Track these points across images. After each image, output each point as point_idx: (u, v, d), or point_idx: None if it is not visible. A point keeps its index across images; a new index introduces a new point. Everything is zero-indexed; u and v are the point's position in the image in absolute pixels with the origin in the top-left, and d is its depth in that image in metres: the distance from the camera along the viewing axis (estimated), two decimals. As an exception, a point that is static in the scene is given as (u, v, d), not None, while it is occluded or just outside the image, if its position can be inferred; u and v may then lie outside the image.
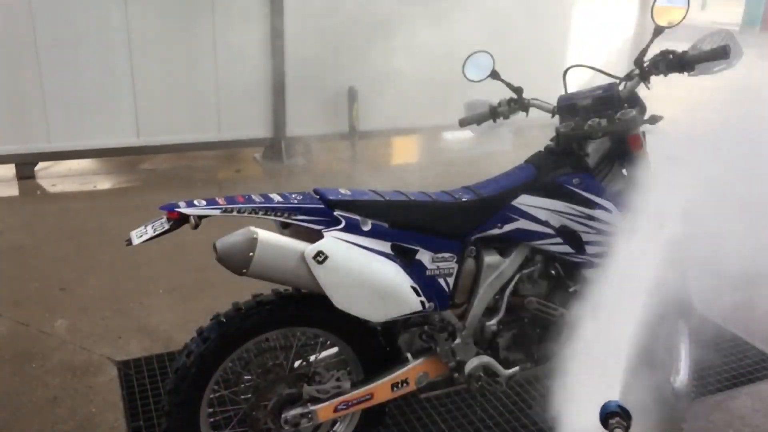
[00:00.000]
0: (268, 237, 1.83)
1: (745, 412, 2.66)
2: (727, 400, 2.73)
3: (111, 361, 2.86)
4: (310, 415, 2.02)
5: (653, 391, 2.59)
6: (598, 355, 1.77)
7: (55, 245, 3.99)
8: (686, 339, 2.76)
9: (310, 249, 1.83)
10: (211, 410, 2.02)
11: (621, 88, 2.22)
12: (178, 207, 1.75)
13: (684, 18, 2.08)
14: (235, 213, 1.79)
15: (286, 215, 1.85)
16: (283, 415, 2.01)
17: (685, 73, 2.15)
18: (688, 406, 2.66)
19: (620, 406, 1.45)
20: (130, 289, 3.47)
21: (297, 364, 2.07)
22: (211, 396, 1.98)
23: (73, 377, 2.74)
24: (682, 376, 2.68)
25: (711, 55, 2.05)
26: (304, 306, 1.98)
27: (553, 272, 2.32)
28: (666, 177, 1.97)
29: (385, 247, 1.97)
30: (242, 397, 2.07)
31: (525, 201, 2.14)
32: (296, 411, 2.01)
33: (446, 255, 2.07)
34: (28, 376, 2.74)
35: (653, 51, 2.19)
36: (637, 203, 1.95)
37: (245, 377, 2.06)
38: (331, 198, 1.93)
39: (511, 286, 2.22)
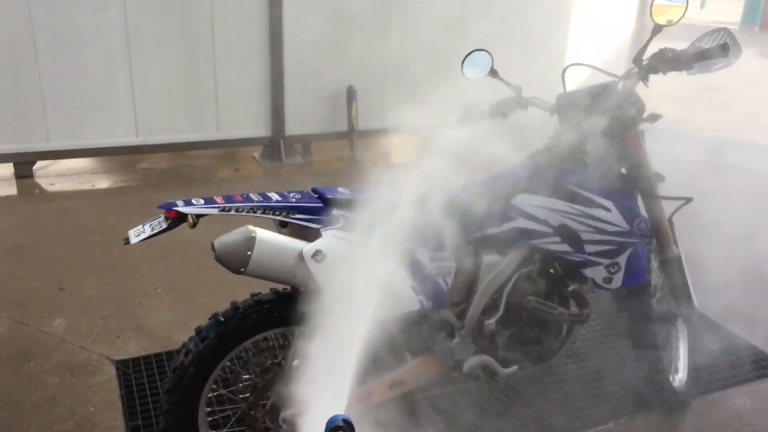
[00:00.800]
0: (267, 236, 1.83)
1: (743, 411, 2.66)
2: (726, 399, 2.73)
3: (109, 361, 2.86)
4: (308, 415, 2.02)
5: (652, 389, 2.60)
6: (326, 366, 1.77)
7: (54, 245, 3.98)
8: (685, 337, 2.77)
9: (308, 248, 1.83)
10: (209, 409, 2.01)
11: (620, 86, 2.22)
12: (176, 206, 1.75)
13: (683, 16, 2.08)
14: (233, 212, 1.79)
15: (284, 214, 1.85)
16: (281, 415, 2.01)
17: (684, 72, 2.15)
18: (687, 404, 2.66)
19: (345, 420, 1.46)
20: (128, 289, 3.46)
21: (296, 363, 2.06)
22: (210, 395, 1.98)
23: (71, 377, 2.74)
24: (681, 375, 2.68)
25: (710, 54, 2.05)
26: (303, 305, 1.97)
27: (551, 271, 2.32)
28: None
29: (384, 245, 1.96)
30: (240, 396, 2.07)
31: (523, 200, 2.14)
32: (295, 410, 2.01)
33: (445, 254, 2.07)
34: (26, 375, 2.73)
35: (652, 49, 2.19)
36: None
37: (243, 376, 2.06)
38: (329, 197, 1.92)
39: (509, 285, 2.22)
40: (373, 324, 1.79)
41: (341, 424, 1.43)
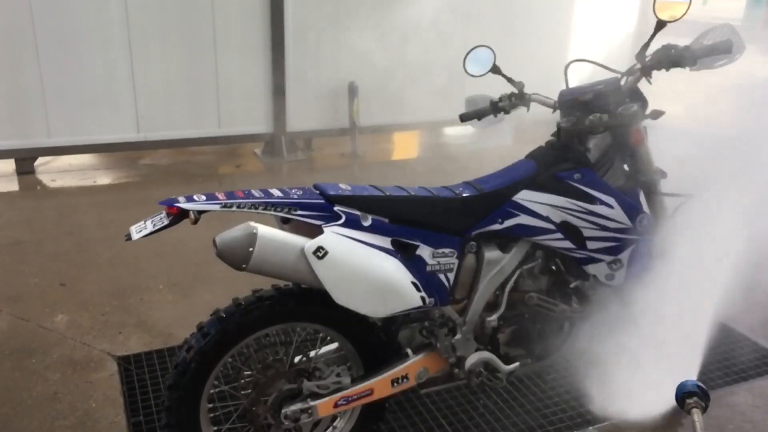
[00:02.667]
0: (268, 232, 1.83)
1: (745, 408, 2.65)
2: (728, 396, 2.72)
3: (111, 357, 2.86)
4: (310, 411, 2.02)
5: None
6: (672, 333, 1.76)
7: (55, 240, 3.99)
8: (687, 335, 2.76)
9: (310, 244, 1.83)
10: (211, 405, 2.01)
11: (622, 82, 2.21)
12: (178, 202, 1.74)
13: (686, 13, 2.07)
14: (234, 208, 1.79)
15: (285, 210, 1.84)
16: (283, 411, 2.01)
17: (687, 68, 2.14)
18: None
19: (698, 386, 1.43)
20: (130, 285, 3.46)
21: (297, 359, 2.07)
22: (211, 391, 1.98)
23: (73, 372, 2.74)
24: (682, 372, 2.68)
25: (713, 50, 2.04)
26: (304, 301, 1.97)
27: (553, 268, 2.32)
28: None
29: (386, 242, 1.96)
30: (242, 392, 2.07)
31: (526, 196, 2.14)
32: (296, 406, 2.01)
33: (447, 251, 2.06)
34: (28, 371, 2.73)
35: (655, 45, 2.18)
36: None
37: (245, 372, 2.06)
38: (331, 193, 1.92)
39: (511, 282, 2.21)
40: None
41: (695, 389, 1.41)
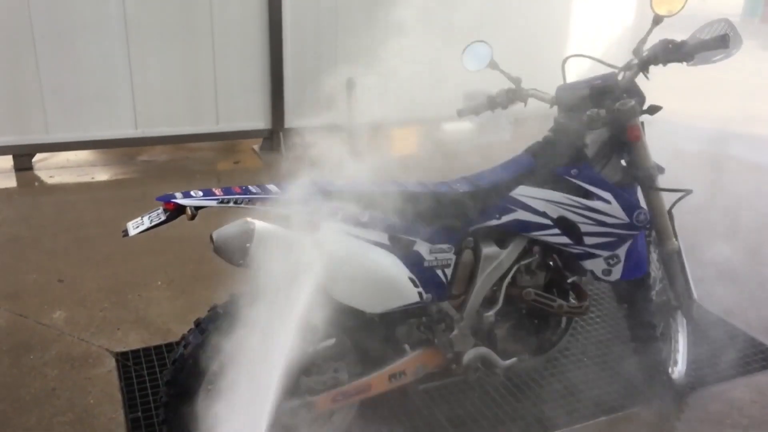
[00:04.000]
0: (266, 228, 1.82)
1: (742, 403, 2.66)
2: (725, 391, 2.73)
3: (109, 353, 2.86)
4: (308, 406, 2.02)
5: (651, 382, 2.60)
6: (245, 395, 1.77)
7: (53, 237, 3.98)
8: (684, 330, 2.77)
9: (307, 240, 1.83)
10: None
11: (620, 77, 2.21)
12: (175, 198, 1.74)
13: (683, 7, 2.06)
14: (231, 204, 1.78)
15: (283, 206, 1.84)
16: (279, 407, 2.01)
17: (684, 63, 2.14)
18: (686, 396, 2.67)
19: None
20: (128, 281, 3.46)
21: (295, 355, 2.07)
22: (209, 387, 1.98)
23: (71, 369, 2.74)
24: (680, 367, 2.69)
25: (710, 45, 2.04)
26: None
27: (551, 263, 2.32)
28: None
29: (383, 237, 1.96)
30: (240, 388, 2.07)
31: (523, 192, 2.14)
32: (294, 402, 2.01)
33: (444, 246, 2.06)
34: (26, 367, 2.73)
35: (652, 40, 2.18)
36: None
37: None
38: (328, 189, 1.92)
39: (509, 278, 2.22)
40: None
41: None
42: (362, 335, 2.08)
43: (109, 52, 5.06)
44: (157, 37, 5.18)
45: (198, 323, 1.92)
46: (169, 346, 2.89)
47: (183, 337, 1.93)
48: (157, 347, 2.90)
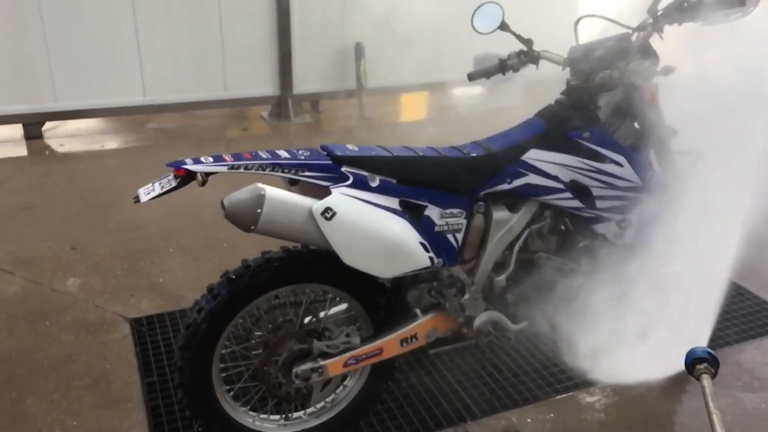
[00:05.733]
0: (276, 193, 1.82)
1: (754, 365, 2.66)
2: (736, 354, 2.73)
3: (124, 319, 2.89)
4: (320, 370, 2.05)
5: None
6: (686, 300, 1.75)
7: (65, 205, 4.01)
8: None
9: (318, 205, 1.83)
10: (222, 365, 2.04)
11: (634, 38, 2.17)
12: (185, 164, 1.74)
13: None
14: (242, 170, 1.78)
15: (293, 171, 1.83)
16: (293, 370, 2.04)
17: (700, 22, 2.09)
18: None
19: (708, 352, 1.44)
20: (140, 248, 3.49)
21: (307, 320, 2.08)
22: (223, 351, 2.00)
23: (86, 334, 2.78)
24: (691, 330, 2.69)
25: (726, 3, 1.99)
26: (313, 263, 1.98)
27: (562, 227, 2.31)
28: None
29: (394, 203, 1.96)
30: (253, 352, 2.09)
31: (535, 156, 2.12)
32: (307, 366, 2.04)
33: (455, 211, 2.06)
34: (42, 333, 2.78)
35: (667, 0, 2.13)
36: None
37: (256, 333, 2.08)
38: (338, 154, 1.91)
39: (520, 242, 2.21)
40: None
41: (704, 355, 1.42)
42: (374, 300, 2.09)
43: (115, 19, 5.02)
44: (163, 3, 5.13)
45: (210, 289, 1.94)
46: (183, 312, 2.92)
47: (196, 303, 1.95)
48: (171, 313, 2.94)
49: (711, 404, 1.38)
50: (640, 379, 2.01)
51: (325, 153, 1.94)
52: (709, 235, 1.89)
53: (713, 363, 1.43)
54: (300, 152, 1.90)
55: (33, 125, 5.18)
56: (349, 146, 1.98)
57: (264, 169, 1.80)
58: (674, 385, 2.55)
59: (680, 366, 1.47)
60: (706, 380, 1.41)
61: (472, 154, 2.10)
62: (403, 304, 2.17)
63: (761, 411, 2.41)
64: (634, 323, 2.01)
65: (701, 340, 1.59)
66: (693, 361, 1.42)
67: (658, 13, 2.12)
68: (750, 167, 2.00)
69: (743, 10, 2.02)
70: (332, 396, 2.21)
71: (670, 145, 2.26)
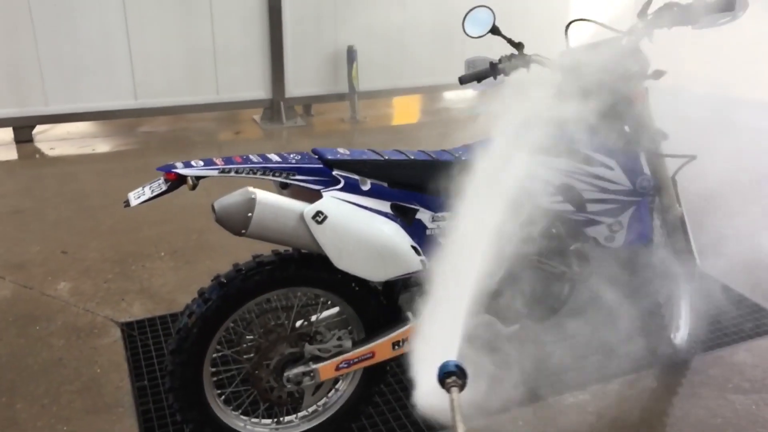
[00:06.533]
0: (267, 197, 1.82)
1: (744, 367, 2.68)
2: (727, 356, 2.75)
3: (114, 323, 2.88)
4: (312, 374, 2.04)
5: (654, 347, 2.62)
6: (440, 314, 1.78)
7: (56, 208, 3.99)
8: (687, 296, 2.77)
9: (309, 209, 1.82)
10: (214, 369, 2.03)
11: (624, 42, 2.18)
12: (175, 168, 1.73)
13: (688, -31, 2.03)
14: (232, 173, 1.78)
15: (284, 175, 1.83)
16: (285, 374, 2.03)
17: (690, 26, 2.10)
18: (688, 361, 2.68)
19: (457, 366, 1.48)
20: (131, 252, 3.48)
21: (298, 323, 2.08)
22: (214, 356, 2.00)
23: (77, 339, 2.76)
24: (682, 332, 2.70)
25: (716, 7, 2.00)
26: (305, 266, 1.97)
27: (553, 231, 2.32)
28: None
29: (385, 206, 1.96)
30: (245, 356, 2.08)
31: (525, 159, 2.12)
32: (298, 370, 2.03)
33: (446, 214, 2.06)
34: (32, 338, 2.76)
35: (657, 4, 2.14)
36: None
37: (247, 337, 2.08)
38: (329, 158, 1.91)
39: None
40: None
41: (454, 369, 1.45)
42: (365, 303, 2.09)
43: (106, 22, 5.02)
44: (154, 6, 5.12)
45: (201, 293, 1.93)
46: (174, 316, 2.91)
47: (186, 307, 1.94)
48: (162, 317, 2.93)
49: (457, 416, 1.44)
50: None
51: (316, 157, 1.93)
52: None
53: (461, 375, 1.48)
54: (291, 156, 1.90)
55: (23, 129, 5.16)
56: (340, 150, 1.98)
57: (255, 173, 1.80)
58: (665, 387, 2.56)
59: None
60: (454, 393, 1.46)
61: (464, 158, 2.11)
62: (395, 308, 2.16)
63: (752, 413, 2.42)
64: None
65: (451, 353, 1.62)
66: (444, 375, 1.48)
67: (648, 18, 2.13)
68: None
69: (733, 14, 2.03)
70: (324, 400, 2.21)
71: (660, 148, 2.27)
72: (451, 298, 1.80)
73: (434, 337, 1.76)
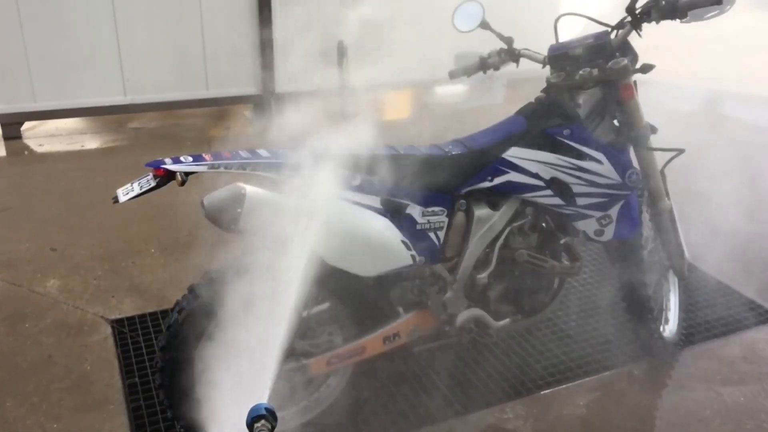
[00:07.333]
0: (257, 193, 1.82)
1: (733, 359, 2.70)
2: (716, 348, 2.77)
3: (104, 320, 2.87)
4: (303, 369, 2.04)
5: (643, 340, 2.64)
6: (246, 357, 1.78)
7: (44, 206, 3.96)
8: (676, 288, 2.79)
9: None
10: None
11: (612, 36, 2.19)
12: (164, 164, 1.73)
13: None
14: (222, 169, 1.77)
15: (274, 171, 1.83)
16: (276, 370, 2.03)
17: (678, 20, 2.11)
18: (677, 354, 2.70)
19: (267, 409, 1.50)
20: (121, 249, 3.46)
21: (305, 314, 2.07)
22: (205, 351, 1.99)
23: (67, 336, 2.75)
24: (671, 326, 2.72)
25: (704, 1, 2.01)
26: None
27: (543, 225, 2.33)
28: None
29: (375, 201, 1.96)
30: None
31: (515, 153, 2.13)
32: (289, 365, 2.03)
33: (436, 209, 2.06)
34: (21, 336, 2.74)
35: (645, -2, 2.15)
36: None
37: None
38: (320, 153, 1.91)
39: (501, 239, 2.22)
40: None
41: (263, 412, 1.48)
42: (356, 298, 2.09)
43: (95, 18, 4.98)
44: (143, 2, 5.08)
45: (191, 289, 1.92)
46: (164, 313, 2.90)
47: (177, 303, 1.93)
48: (152, 314, 2.91)
49: None
50: None
51: (306, 152, 1.93)
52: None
53: (271, 418, 1.51)
54: (280, 151, 1.89)
55: (12, 125, 5.12)
56: (331, 145, 1.97)
57: (244, 169, 1.80)
58: (654, 380, 2.58)
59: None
60: None
61: (453, 152, 2.11)
62: (386, 303, 2.17)
63: (740, 405, 2.44)
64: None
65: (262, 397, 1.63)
66: (253, 419, 1.50)
67: (637, 12, 2.14)
68: None
69: (720, 8, 2.04)
70: (316, 395, 2.21)
71: (649, 142, 2.28)
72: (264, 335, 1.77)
73: (244, 381, 1.76)
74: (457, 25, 2.41)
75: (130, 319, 2.87)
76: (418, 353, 2.53)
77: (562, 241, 2.32)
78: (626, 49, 2.19)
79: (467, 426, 2.33)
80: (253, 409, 1.51)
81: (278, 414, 1.54)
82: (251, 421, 1.50)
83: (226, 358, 1.82)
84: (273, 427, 1.50)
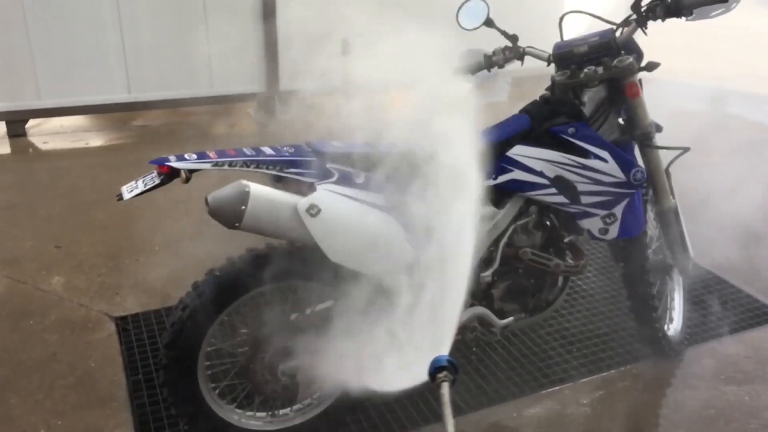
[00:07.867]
0: (260, 190, 1.81)
1: (737, 358, 2.69)
2: (720, 347, 2.76)
3: (109, 317, 2.87)
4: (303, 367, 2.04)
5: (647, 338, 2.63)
6: (429, 310, 1.79)
7: (49, 203, 3.97)
8: (680, 287, 2.79)
9: (303, 202, 1.82)
10: (208, 363, 2.03)
11: (618, 34, 2.18)
12: (168, 161, 1.73)
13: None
14: (226, 166, 1.77)
15: (278, 168, 1.83)
16: (279, 367, 2.03)
17: (683, 18, 2.10)
18: (681, 353, 2.70)
19: (449, 361, 1.50)
20: (125, 246, 3.46)
21: (293, 317, 2.08)
22: (208, 349, 1.99)
23: (71, 333, 2.76)
24: (675, 324, 2.71)
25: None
26: (299, 260, 1.97)
27: (547, 223, 2.32)
28: None
29: (379, 199, 1.95)
30: (239, 350, 2.08)
31: (520, 151, 2.12)
32: (293, 363, 2.03)
33: (440, 206, 2.05)
34: (26, 333, 2.75)
35: (651, -5, 2.14)
36: None
37: (241, 330, 2.07)
38: (323, 150, 1.91)
39: (505, 238, 2.21)
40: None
41: (445, 364, 1.46)
42: (359, 296, 2.08)
43: (99, 15, 4.98)
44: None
45: (196, 286, 1.93)
46: (168, 310, 2.90)
47: (180, 300, 1.94)
48: (156, 311, 2.92)
49: (447, 410, 1.46)
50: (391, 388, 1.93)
51: (310, 149, 1.93)
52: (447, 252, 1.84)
53: (453, 370, 1.50)
54: (285, 149, 1.89)
55: (16, 123, 5.13)
56: (335, 142, 1.97)
57: (248, 166, 1.80)
58: (658, 379, 2.57)
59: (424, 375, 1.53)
60: (445, 387, 1.49)
61: (457, 150, 2.10)
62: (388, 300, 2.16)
63: (744, 403, 2.44)
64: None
65: (444, 348, 1.63)
66: (435, 369, 1.50)
67: (642, 10, 2.13)
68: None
69: (726, 6, 2.03)
70: (318, 392, 2.21)
71: (654, 140, 2.28)
72: (446, 291, 1.79)
73: (427, 332, 1.76)
74: (462, 23, 2.40)
75: (134, 317, 2.88)
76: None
77: (566, 240, 2.31)
78: (631, 47, 2.18)
79: (470, 424, 2.33)
80: (435, 360, 1.50)
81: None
82: (434, 371, 1.50)
83: (409, 315, 1.83)
84: (454, 380, 1.50)
